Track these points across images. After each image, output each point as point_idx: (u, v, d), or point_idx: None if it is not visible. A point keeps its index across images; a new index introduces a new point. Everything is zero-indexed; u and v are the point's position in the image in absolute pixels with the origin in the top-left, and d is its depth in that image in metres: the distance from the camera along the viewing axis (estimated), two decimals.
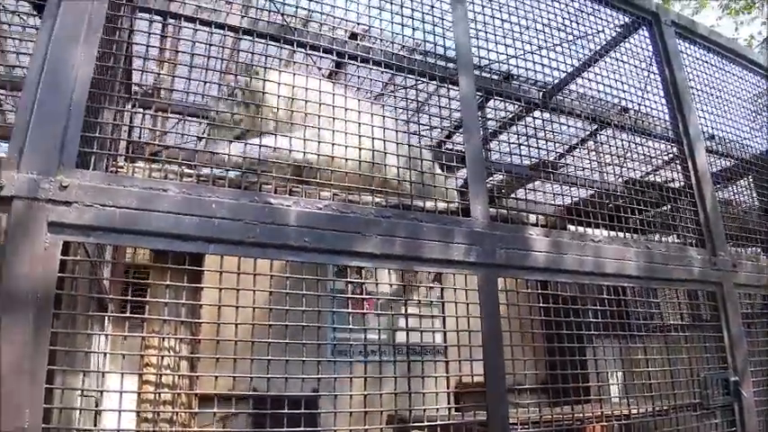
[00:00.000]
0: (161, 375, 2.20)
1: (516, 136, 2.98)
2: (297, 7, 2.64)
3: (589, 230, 2.92)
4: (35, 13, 2.53)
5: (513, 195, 2.85)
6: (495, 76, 3.60)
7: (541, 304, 2.66)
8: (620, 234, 3.05)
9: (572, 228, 3.03)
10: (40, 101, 1.93)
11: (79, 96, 1.98)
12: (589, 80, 3.52)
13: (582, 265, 2.73)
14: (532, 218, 2.81)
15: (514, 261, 2.53)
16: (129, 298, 1.93)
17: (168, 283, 1.93)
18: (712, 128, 3.99)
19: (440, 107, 2.77)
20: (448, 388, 2.39)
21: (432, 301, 2.55)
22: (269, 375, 2.00)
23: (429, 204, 2.50)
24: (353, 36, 2.99)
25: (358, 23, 2.87)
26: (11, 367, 1.67)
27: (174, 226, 1.93)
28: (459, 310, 2.37)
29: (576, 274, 2.73)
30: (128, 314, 1.94)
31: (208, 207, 1.98)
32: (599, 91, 3.48)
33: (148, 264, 1.86)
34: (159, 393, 2.17)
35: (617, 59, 3.71)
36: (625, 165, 3.51)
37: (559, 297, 2.77)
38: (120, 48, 2.41)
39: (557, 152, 3.62)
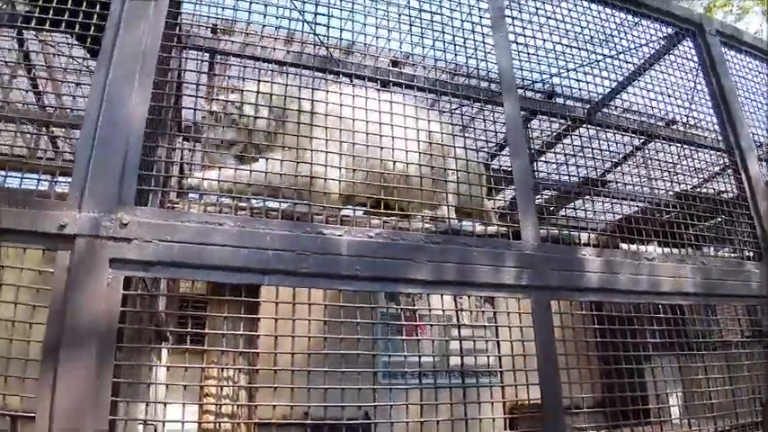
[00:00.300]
0: (220, 405, 2.23)
1: (563, 153, 2.95)
2: (339, 39, 2.69)
3: (642, 248, 2.86)
4: (89, 56, 2.63)
5: (562, 214, 2.82)
6: (539, 95, 3.58)
7: (596, 325, 2.61)
8: (674, 250, 2.97)
9: (624, 246, 2.97)
10: (99, 142, 2.01)
11: (136, 136, 2.06)
12: (634, 94, 3.48)
13: (637, 285, 2.67)
14: (583, 237, 2.77)
15: (567, 283, 2.49)
16: (188, 330, 1.97)
17: (226, 314, 1.97)
18: (764, 136, 3.88)
19: (485, 130, 2.76)
20: (504, 412, 2.36)
21: (485, 326, 2.53)
22: (325, 404, 2.01)
23: (479, 228, 2.50)
24: (395, 63, 3.03)
25: (400, 51, 2.90)
26: (76, 401, 1.72)
27: (230, 259, 1.97)
28: (513, 332, 2.35)
29: (631, 293, 2.67)
30: (188, 345, 1.98)
31: (262, 239, 2.02)
32: (645, 105, 3.43)
33: (206, 296, 1.90)
34: (219, 423, 2.20)
35: (662, 71, 3.65)
36: (675, 177, 3.44)
37: (614, 317, 2.71)
38: (171, 86, 2.48)
39: (604, 167, 3.57)
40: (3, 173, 2.32)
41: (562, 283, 2.48)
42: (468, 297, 2.28)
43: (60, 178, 2.42)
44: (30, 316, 1.87)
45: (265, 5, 2.44)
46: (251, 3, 2.47)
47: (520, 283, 2.37)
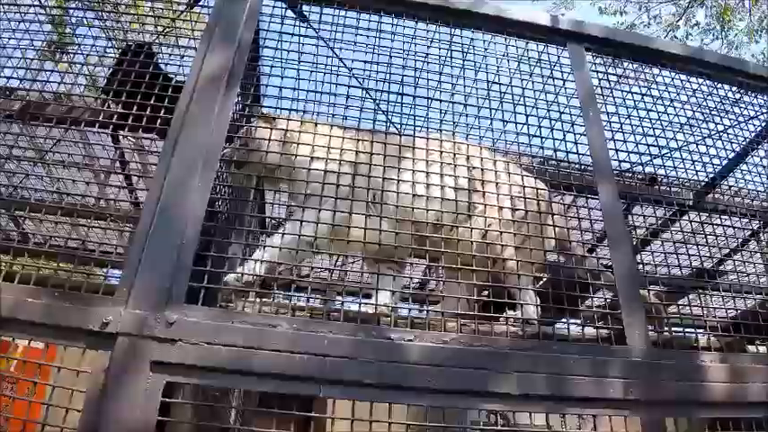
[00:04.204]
0: None
1: (672, 243, 2.56)
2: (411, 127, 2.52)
3: None
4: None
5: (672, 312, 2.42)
6: (638, 180, 3.24)
7: None
8: None
9: (752, 348, 2.51)
10: (152, 236, 1.89)
11: (192, 231, 1.92)
12: (748, 171, 3.08)
13: None
14: (701, 340, 2.34)
15: (685, 396, 2.05)
16: None
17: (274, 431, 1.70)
18: None
19: (578, 218, 2.45)
20: None
21: None
22: None
23: (574, 331, 2.14)
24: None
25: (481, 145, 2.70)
26: None
27: (283, 366, 1.72)
28: None
29: (766, 406, 2.18)
30: None
31: (320, 344, 1.76)
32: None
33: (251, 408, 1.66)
34: None
35: None
36: None
37: None
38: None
39: (718, 257, 3.13)
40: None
41: (680, 397, 2.04)
42: (564, 416, 1.90)
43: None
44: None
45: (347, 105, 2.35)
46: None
47: (628, 398, 1.95)
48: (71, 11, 3.25)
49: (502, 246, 2.45)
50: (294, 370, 1.72)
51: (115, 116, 2.42)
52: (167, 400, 1.67)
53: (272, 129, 2.51)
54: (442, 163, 2.41)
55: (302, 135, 2.43)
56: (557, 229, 2.70)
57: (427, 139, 2.48)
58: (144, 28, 3.02)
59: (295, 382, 1.72)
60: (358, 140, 2.40)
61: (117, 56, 2.94)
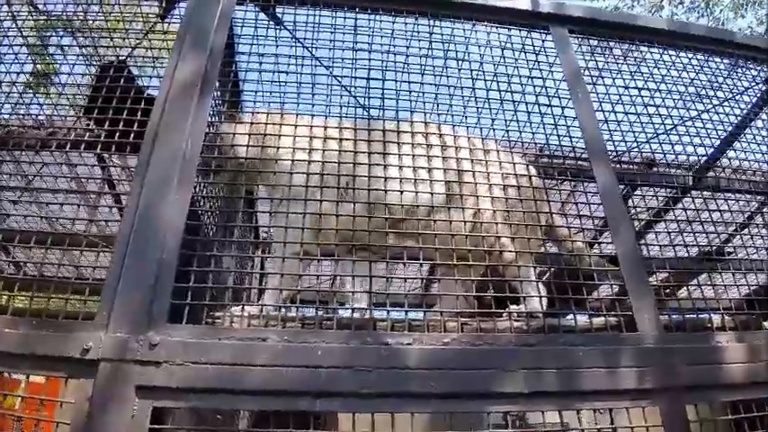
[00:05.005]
0: None
1: (676, 223, 2.47)
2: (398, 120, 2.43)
3: None
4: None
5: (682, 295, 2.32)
6: (636, 165, 3.15)
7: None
8: None
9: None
10: (130, 256, 1.81)
11: (172, 247, 1.84)
12: (747, 144, 2.98)
13: None
14: (716, 320, 2.24)
15: (704, 380, 1.94)
16: None
17: None
18: None
19: (577, 204, 2.36)
20: None
21: None
22: None
23: (581, 321, 2.04)
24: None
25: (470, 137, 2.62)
26: None
27: (274, 381, 1.63)
28: None
29: None
30: None
31: (313, 355, 1.66)
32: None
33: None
34: None
35: None
36: None
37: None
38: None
39: (726, 234, 3.02)
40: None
41: (697, 381, 1.93)
42: (578, 411, 1.79)
43: None
44: None
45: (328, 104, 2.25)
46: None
47: (643, 387, 1.84)
48: (49, 36, 3.17)
49: (496, 237, 2.33)
50: (286, 384, 1.63)
51: (87, 134, 2.33)
52: (156, 426, 1.57)
53: (251, 125, 2.43)
54: (428, 156, 2.33)
55: (274, 129, 2.37)
56: (549, 214, 2.60)
57: (412, 133, 2.39)
58: (116, 43, 2.92)
59: (289, 397, 1.62)
60: (340, 138, 2.30)
61: (95, 75, 2.85)
